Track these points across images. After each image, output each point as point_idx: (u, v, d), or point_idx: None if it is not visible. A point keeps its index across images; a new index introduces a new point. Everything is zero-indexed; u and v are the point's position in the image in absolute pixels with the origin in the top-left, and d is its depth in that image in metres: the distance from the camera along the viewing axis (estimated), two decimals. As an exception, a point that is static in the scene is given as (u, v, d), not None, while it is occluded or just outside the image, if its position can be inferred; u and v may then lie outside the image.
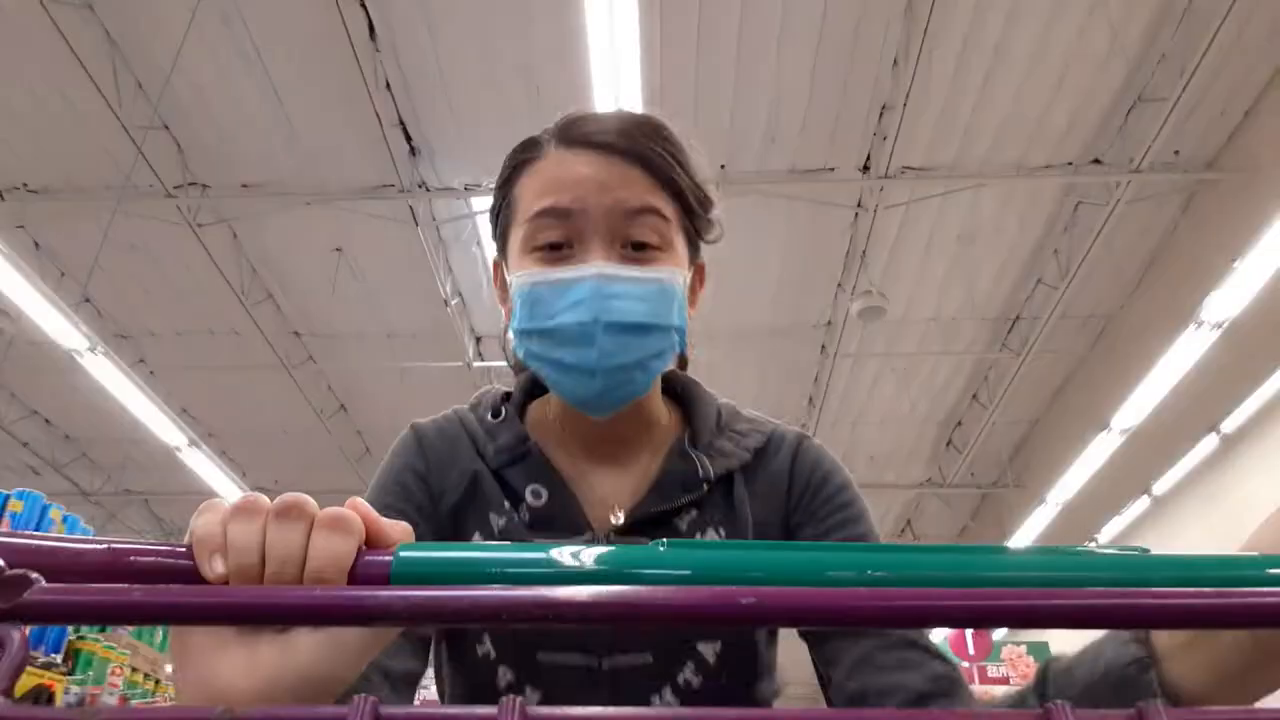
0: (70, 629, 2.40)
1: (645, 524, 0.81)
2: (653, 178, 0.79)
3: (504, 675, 0.78)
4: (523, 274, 0.79)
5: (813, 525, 0.84)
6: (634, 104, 4.90)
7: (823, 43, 5.48)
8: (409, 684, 0.79)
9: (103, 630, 2.55)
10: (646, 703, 0.77)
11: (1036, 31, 5.41)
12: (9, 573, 0.34)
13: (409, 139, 6.09)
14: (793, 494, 0.86)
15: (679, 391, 0.94)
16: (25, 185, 6.44)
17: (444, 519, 0.83)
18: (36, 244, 6.97)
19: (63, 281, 7.15)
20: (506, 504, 0.83)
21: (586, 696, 0.76)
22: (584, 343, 0.76)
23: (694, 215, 0.84)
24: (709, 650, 0.78)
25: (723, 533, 0.83)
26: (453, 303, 7.33)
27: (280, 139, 6.11)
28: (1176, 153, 6.05)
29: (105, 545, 0.42)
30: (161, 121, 5.89)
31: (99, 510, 10.43)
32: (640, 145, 0.79)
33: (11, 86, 5.72)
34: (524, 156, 0.83)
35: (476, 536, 0.82)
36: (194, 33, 5.21)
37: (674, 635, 0.79)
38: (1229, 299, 5.38)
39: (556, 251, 0.79)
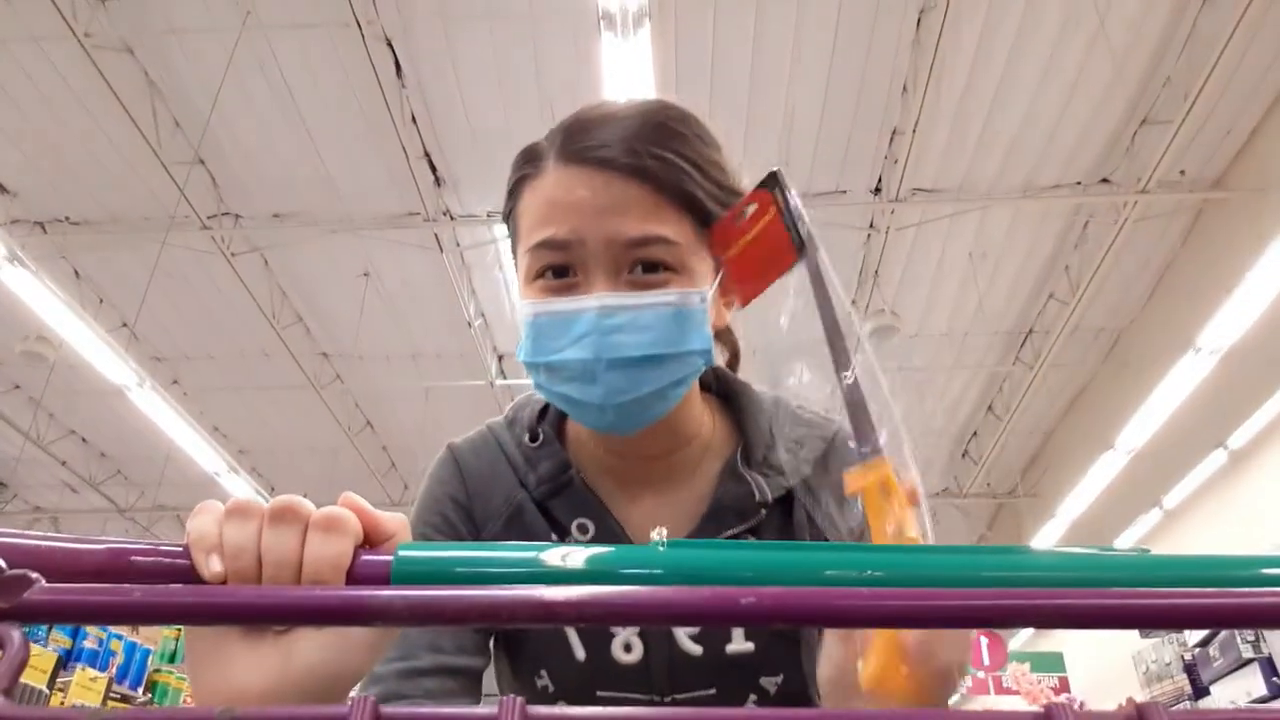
0: (150, 661, 2.60)
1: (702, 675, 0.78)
2: (659, 194, 0.73)
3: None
4: (526, 304, 0.75)
5: None
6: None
7: (834, 71, 5.65)
8: (473, 679, 0.78)
9: (172, 660, 2.75)
10: None
11: (1041, 58, 5.55)
12: (9, 573, 0.34)
13: (434, 170, 6.31)
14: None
15: (725, 395, 0.90)
16: (67, 218, 6.71)
17: None
18: (77, 272, 7.24)
19: (101, 308, 7.42)
20: (553, 536, 0.81)
21: None
22: (588, 380, 0.72)
23: (715, 219, 0.77)
24: (770, 684, 0.78)
25: None
26: (476, 324, 7.54)
27: (310, 171, 6.34)
28: (1182, 172, 6.16)
29: (105, 545, 0.42)
30: (198, 157, 6.13)
31: (134, 526, 10.70)
32: (644, 159, 0.73)
33: (55, 125, 5.98)
34: (525, 171, 0.79)
35: None
36: (230, 73, 5.45)
37: (736, 670, 0.77)
38: (1233, 316, 5.45)
39: (561, 279, 0.74)
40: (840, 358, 0.62)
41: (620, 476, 0.84)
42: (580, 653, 0.78)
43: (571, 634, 0.78)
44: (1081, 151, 6.16)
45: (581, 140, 0.75)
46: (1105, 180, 6.33)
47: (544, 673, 0.79)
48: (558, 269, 0.74)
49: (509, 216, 0.83)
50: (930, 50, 5.32)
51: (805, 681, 0.79)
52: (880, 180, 6.37)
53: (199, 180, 6.31)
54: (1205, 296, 6.03)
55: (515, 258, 0.81)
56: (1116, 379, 7.89)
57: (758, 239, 0.75)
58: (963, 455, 9.98)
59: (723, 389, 0.91)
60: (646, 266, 0.73)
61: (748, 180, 0.80)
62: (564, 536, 0.81)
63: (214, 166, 6.37)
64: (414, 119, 5.92)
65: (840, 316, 0.64)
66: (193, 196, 6.27)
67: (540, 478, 0.83)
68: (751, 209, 0.75)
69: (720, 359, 0.92)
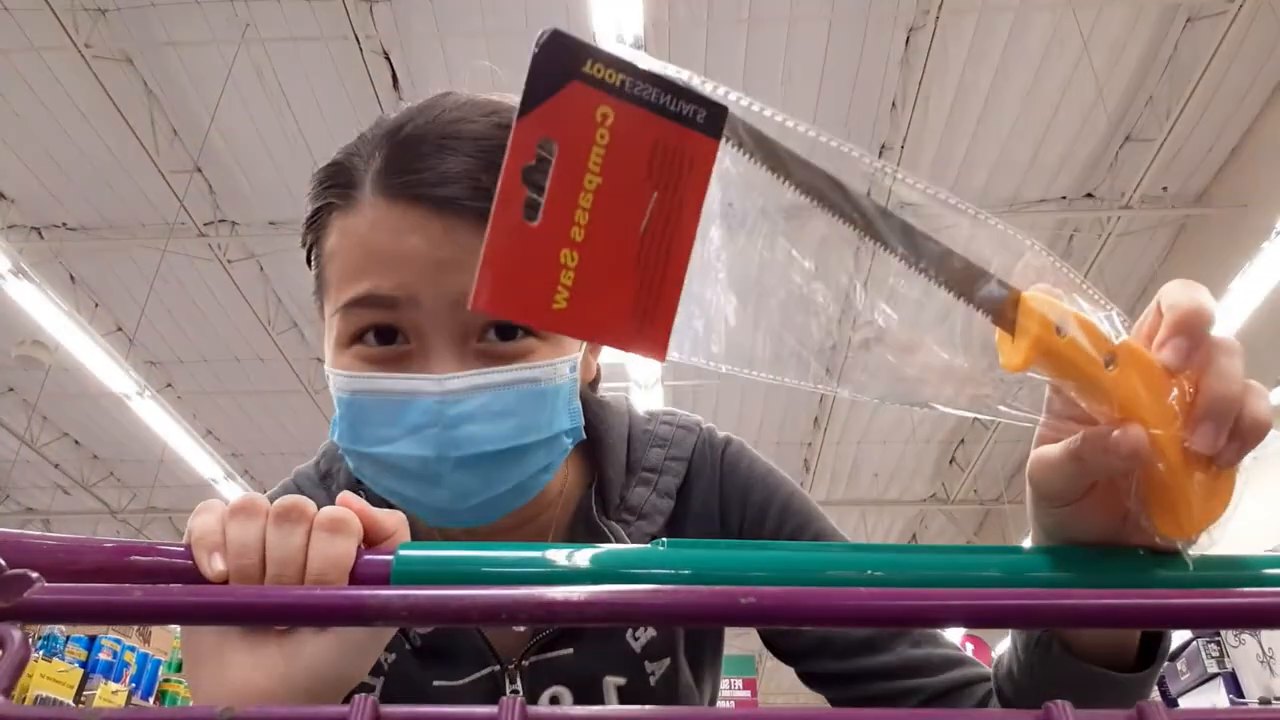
0: (160, 671, 2.68)
1: (562, 636, 0.69)
2: None
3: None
4: (340, 375, 0.59)
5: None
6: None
7: (823, 88, 5.75)
8: None
9: (180, 669, 2.83)
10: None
11: (1027, 76, 5.66)
12: (9, 573, 0.34)
13: (429, 180, 6.38)
14: (729, 525, 0.75)
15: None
16: (65, 224, 6.76)
17: None
18: (72, 277, 7.29)
19: (97, 313, 7.47)
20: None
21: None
22: (430, 481, 0.58)
23: None
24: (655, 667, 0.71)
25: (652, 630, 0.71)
26: (469, 331, 7.61)
27: (307, 180, 6.38)
28: (1165, 189, 6.29)
29: (105, 545, 0.41)
30: (195, 165, 6.20)
31: (125, 528, 10.73)
32: (485, 187, 0.56)
33: (54, 133, 6.04)
34: (330, 199, 0.62)
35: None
36: (228, 84, 5.52)
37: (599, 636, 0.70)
38: (1215, 333, 5.55)
39: (387, 345, 0.59)
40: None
41: None
42: None
43: None
44: (1066, 167, 6.28)
45: (412, 170, 0.58)
46: (1089, 196, 6.45)
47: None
48: (382, 331, 0.59)
49: (310, 251, 0.65)
50: (918, 68, 5.43)
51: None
52: (869, 194, 6.45)
53: (196, 188, 6.37)
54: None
55: (320, 306, 0.64)
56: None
57: None
58: (950, 462, 10.10)
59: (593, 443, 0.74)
60: (501, 331, 0.58)
61: None
62: (406, 631, 0.69)
63: (211, 175, 6.43)
64: (410, 130, 6.00)
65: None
66: (190, 204, 6.33)
67: None
68: None
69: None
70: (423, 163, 0.58)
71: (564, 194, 0.35)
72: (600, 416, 0.74)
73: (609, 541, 0.69)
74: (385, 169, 0.59)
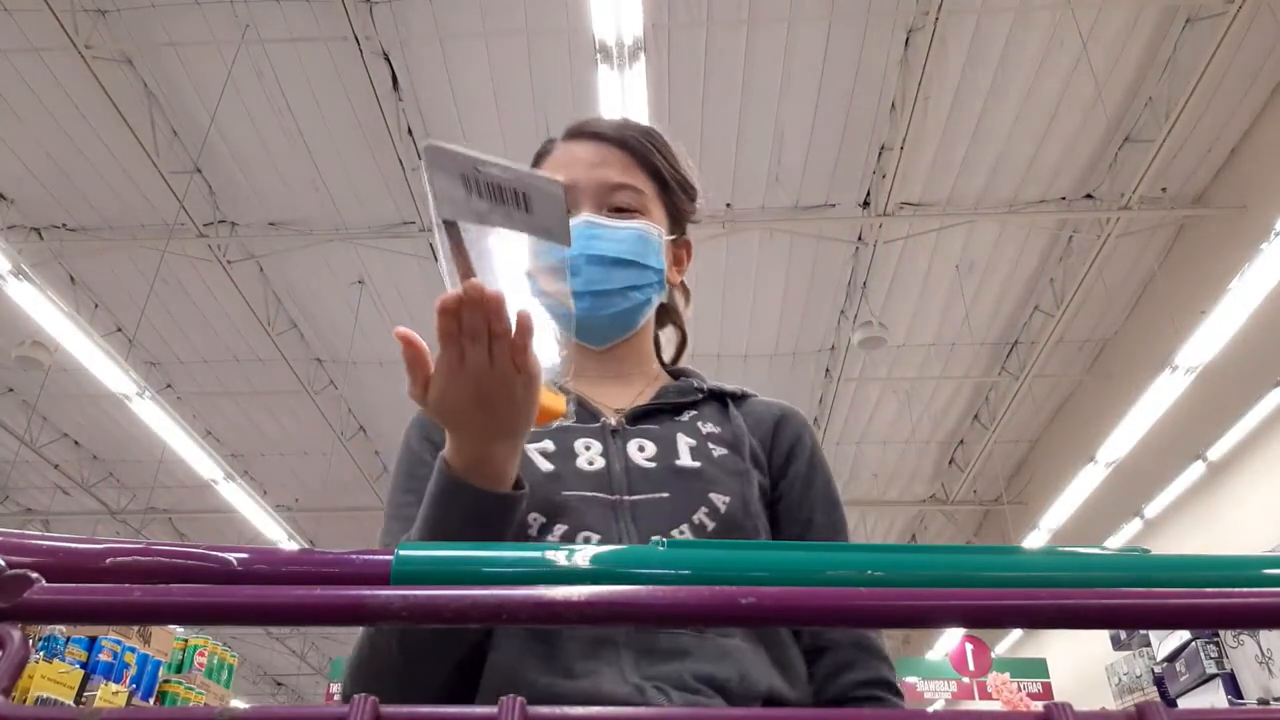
0: (160, 672, 2.68)
1: (649, 413, 0.96)
2: (632, 159, 0.99)
3: (535, 519, 0.85)
4: None
5: (788, 464, 0.97)
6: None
7: (823, 89, 5.75)
8: None
9: (180, 670, 2.84)
10: (666, 534, 0.85)
11: (1026, 77, 5.67)
12: (9, 573, 0.34)
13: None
14: (777, 433, 0.99)
15: (674, 375, 1.06)
16: (64, 225, 6.76)
17: None
18: (72, 278, 7.29)
19: (96, 314, 7.47)
20: None
21: (609, 527, 0.84)
22: (573, 272, 0.93)
23: (672, 192, 1.02)
24: (719, 501, 0.88)
25: (719, 431, 0.95)
26: (469, 331, 7.61)
27: (306, 181, 6.41)
28: (1164, 189, 6.29)
29: (105, 545, 0.42)
30: (195, 165, 6.20)
31: (125, 528, 10.73)
32: (625, 136, 1.00)
33: (54, 133, 6.04)
34: (541, 151, 1.06)
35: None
36: (228, 85, 5.52)
37: (685, 480, 0.89)
38: (1210, 335, 5.56)
39: None
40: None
41: (584, 379, 1.00)
42: (546, 465, 0.88)
43: (535, 454, 0.88)
44: (1065, 168, 6.28)
45: (581, 125, 1.04)
46: (1089, 196, 6.45)
47: None
48: None
49: None
50: (918, 69, 5.44)
51: (748, 509, 0.90)
52: (869, 194, 6.48)
53: (196, 189, 6.37)
54: (1186, 311, 6.16)
55: None
56: (1101, 390, 8.03)
57: None
58: (949, 463, 10.10)
59: (672, 371, 1.08)
60: (620, 210, 0.98)
61: (697, 178, 1.07)
62: None
63: (211, 176, 6.43)
64: (409, 131, 6.00)
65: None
66: (190, 205, 6.33)
67: None
68: None
69: (671, 347, 1.12)
70: (588, 123, 1.04)
71: None
72: (688, 370, 1.07)
73: (692, 382, 1.01)
74: (568, 130, 1.05)
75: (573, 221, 0.91)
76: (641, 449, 0.92)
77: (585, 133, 1.02)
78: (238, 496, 8.93)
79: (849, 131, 6.06)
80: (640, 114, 5.06)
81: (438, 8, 5.29)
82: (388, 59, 5.59)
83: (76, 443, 9.62)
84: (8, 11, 5.22)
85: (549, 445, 0.89)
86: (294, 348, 7.93)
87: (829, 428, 8.94)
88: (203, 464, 8.15)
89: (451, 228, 0.66)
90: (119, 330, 7.67)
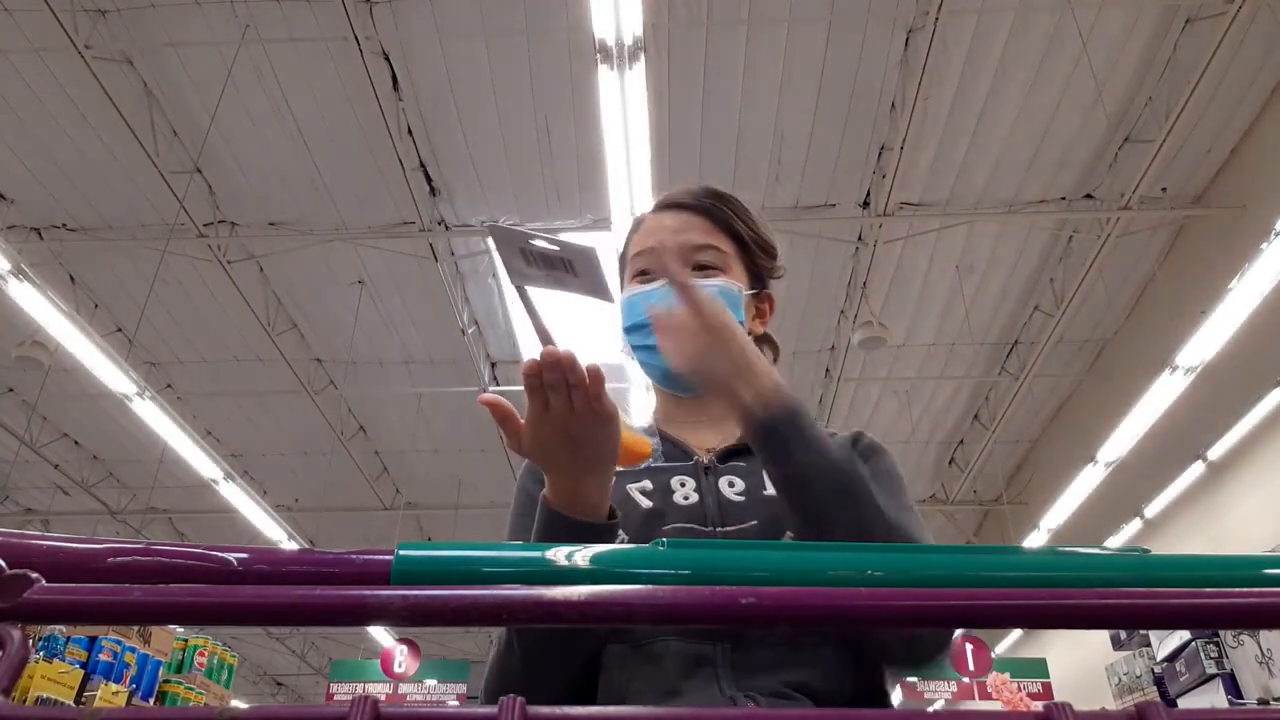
0: (160, 672, 2.68)
1: (738, 452, 1.04)
2: (712, 223, 1.08)
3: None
4: (624, 292, 1.10)
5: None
6: (642, 147, 5.15)
7: (823, 89, 5.75)
8: None
9: (179, 670, 2.84)
10: None
11: (1026, 77, 5.67)
12: (9, 573, 0.34)
13: (429, 181, 6.38)
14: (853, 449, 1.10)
15: None
16: (64, 225, 6.76)
17: None
18: (72, 278, 7.29)
19: (96, 314, 7.47)
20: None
21: None
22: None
23: (751, 251, 1.10)
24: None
25: None
26: (469, 331, 7.61)
27: (306, 180, 6.41)
28: (1164, 189, 6.29)
29: (105, 545, 0.42)
30: (195, 165, 6.20)
31: (125, 528, 10.73)
32: (704, 203, 1.09)
33: (54, 133, 6.04)
34: (634, 225, 1.17)
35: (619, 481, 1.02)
36: (228, 85, 5.52)
37: (770, 509, 0.96)
38: (1210, 335, 5.56)
39: (644, 276, 1.08)
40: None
41: (683, 424, 1.11)
42: (646, 503, 0.98)
43: (635, 493, 0.99)
44: (1065, 168, 6.28)
45: (667, 197, 1.14)
46: (1089, 196, 6.45)
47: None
48: (644, 272, 1.08)
49: (621, 258, 1.19)
50: (918, 69, 5.44)
51: None
52: (869, 194, 6.48)
53: (196, 189, 6.37)
54: (1186, 311, 6.16)
55: (621, 281, 1.17)
56: (1100, 390, 8.02)
57: None
58: (949, 463, 10.10)
59: None
60: (703, 268, 1.07)
61: (775, 238, 1.15)
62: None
63: (211, 176, 6.43)
64: (409, 131, 6.00)
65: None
66: (190, 205, 6.33)
67: None
68: None
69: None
70: (672, 195, 1.13)
71: None
72: None
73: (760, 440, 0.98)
74: (655, 204, 1.15)
75: (657, 284, 1.05)
76: (731, 484, 1.00)
77: (670, 204, 1.12)
78: (238, 496, 8.93)
79: (849, 132, 6.06)
80: (640, 114, 5.05)
81: (438, 8, 5.29)
82: (388, 59, 5.59)
83: (76, 443, 9.61)
84: (8, 11, 5.22)
85: (648, 484, 0.99)
86: (294, 348, 7.93)
87: (829, 428, 8.91)
88: (203, 464, 8.15)
89: (522, 292, 0.80)
90: (119, 330, 7.67)
